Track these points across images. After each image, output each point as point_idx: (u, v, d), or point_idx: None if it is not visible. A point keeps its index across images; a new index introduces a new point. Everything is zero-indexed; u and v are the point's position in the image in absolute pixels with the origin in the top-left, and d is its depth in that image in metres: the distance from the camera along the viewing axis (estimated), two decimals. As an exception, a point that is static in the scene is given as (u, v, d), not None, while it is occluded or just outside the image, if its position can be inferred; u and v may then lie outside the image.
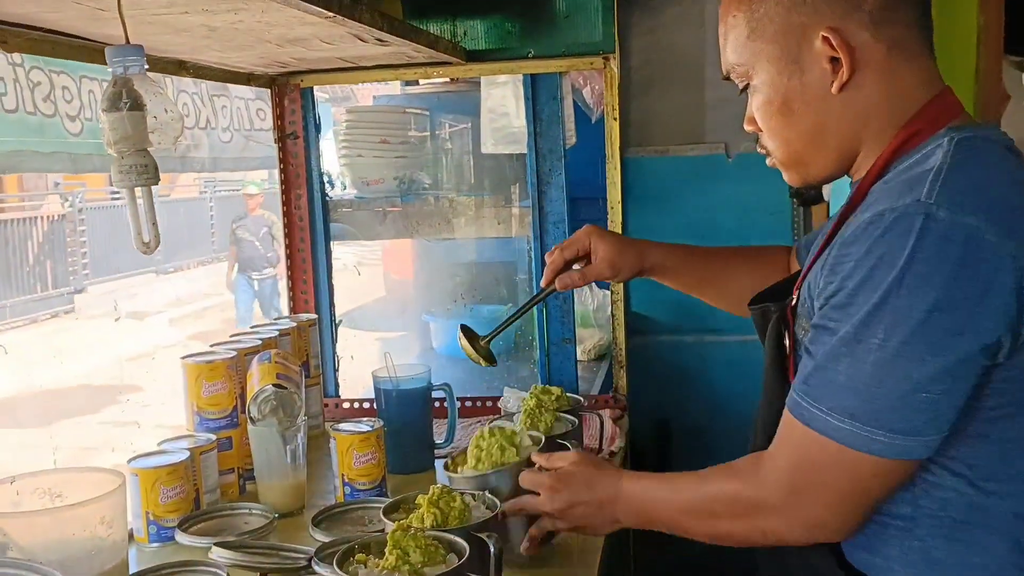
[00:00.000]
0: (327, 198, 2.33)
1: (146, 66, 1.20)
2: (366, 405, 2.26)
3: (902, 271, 0.93)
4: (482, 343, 1.60)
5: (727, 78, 1.18)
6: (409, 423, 1.86)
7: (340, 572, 1.15)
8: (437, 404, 2.00)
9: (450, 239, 2.48)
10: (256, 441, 1.68)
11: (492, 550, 1.21)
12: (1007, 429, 1.00)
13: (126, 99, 1.15)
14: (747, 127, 1.20)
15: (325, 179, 2.33)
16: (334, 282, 2.36)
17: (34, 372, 7.83)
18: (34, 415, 6.82)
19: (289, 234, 2.31)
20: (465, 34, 2.16)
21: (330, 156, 2.48)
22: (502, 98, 2.27)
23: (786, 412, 1.05)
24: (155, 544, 1.55)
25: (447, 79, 2.66)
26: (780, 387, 1.14)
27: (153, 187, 1.20)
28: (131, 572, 1.35)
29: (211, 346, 1.88)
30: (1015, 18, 2.51)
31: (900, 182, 1.01)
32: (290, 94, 2.24)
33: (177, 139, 1.19)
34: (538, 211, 2.20)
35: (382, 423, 1.73)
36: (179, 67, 1.81)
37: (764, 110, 1.14)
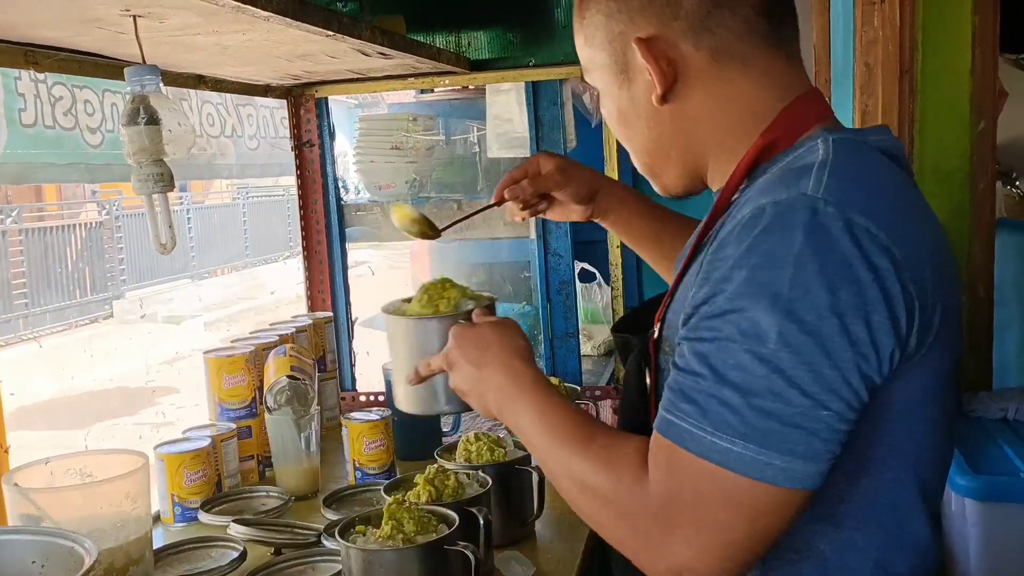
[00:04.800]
0: (342, 202, 2.45)
1: (161, 84, 1.32)
2: (381, 398, 2.37)
3: (793, 270, 0.80)
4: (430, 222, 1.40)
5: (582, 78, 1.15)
6: (417, 413, 1.97)
7: (342, 541, 1.27)
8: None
9: (461, 240, 2.59)
10: (272, 429, 1.80)
11: (481, 522, 1.31)
12: (876, 471, 0.90)
13: (143, 114, 1.27)
14: None
15: (340, 184, 2.46)
16: (357, 283, 2.49)
17: (72, 376, 8.07)
18: (72, 417, 7.02)
19: (306, 236, 2.43)
20: (469, 45, 2.27)
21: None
22: (506, 105, 2.38)
23: (656, 435, 0.88)
24: (180, 524, 1.68)
25: (458, 87, 2.77)
26: (641, 421, 1.02)
27: (169, 193, 1.33)
28: (156, 547, 1.48)
29: (232, 342, 2.00)
30: (1012, 17, 2.57)
31: (778, 178, 0.90)
32: (305, 104, 2.36)
33: (190, 149, 1.31)
34: (541, 212, 2.31)
35: (391, 412, 1.85)
36: (198, 81, 1.94)
37: (608, 119, 1.09)
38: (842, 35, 2.38)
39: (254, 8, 1.16)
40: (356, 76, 2.18)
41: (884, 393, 0.85)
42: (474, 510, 1.33)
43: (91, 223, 11.97)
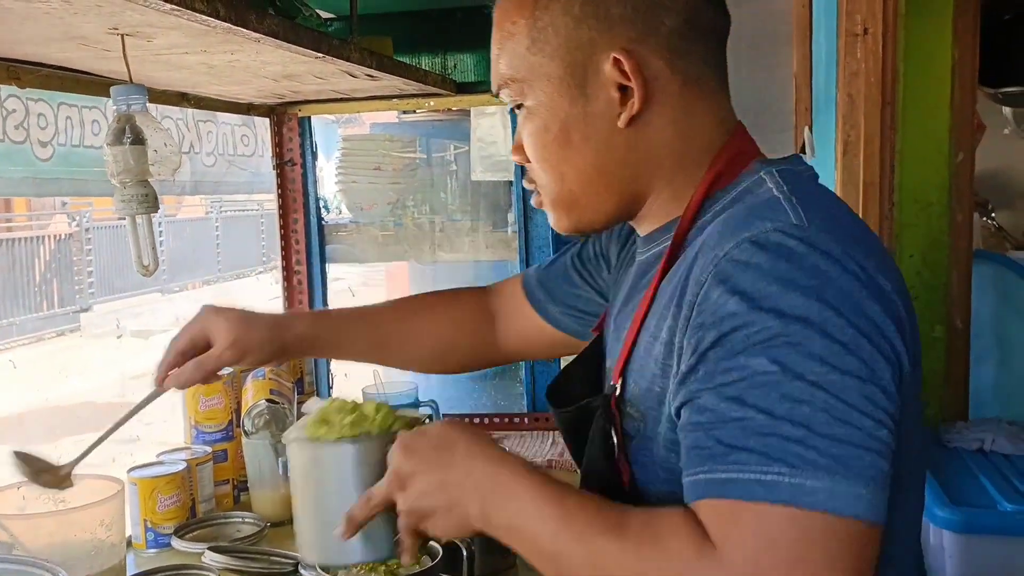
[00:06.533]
0: (323, 222, 2.43)
1: (147, 104, 1.30)
2: (358, 421, 2.34)
3: (816, 291, 0.75)
4: (59, 471, 1.21)
5: (496, 95, 1.00)
6: (396, 437, 1.95)
7: (324, 573, 1.24)
8: (427, 420, 2.10)
9: (441, 262, 2.57)
10: (249, 453, 1.77)
11: (465, 553, 1.29)
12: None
13: (129, 134, 1.25)
14: (514, 156, 1.02)
15: (321, 204, 2.44)
16: (336, 302, 2.47)
17: (40, 389, 7.94)
18: (41, 431, 6.90)
19: (286, 256, 2.41)
20: (455, 67, 2.27)
21: (331, 178, 2.59)
22: (490, 128, 2.37)
23: (710, 502, 0.76)
24: (152, 550, 1.64)
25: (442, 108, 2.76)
26: (607, 487, 0.90)
27: (153, 214, 1.31)
28: (129, 575, 1.44)
29: (209, 363, 1.97)
30: (990, 51, 2.61)
31: (740, 211, 0.86)
32: (288, 123, 2.35)
33: (176, 171, 1.29)
34: (524, 236, 2.30)
35: (370, 437, 1.82)
36: (181, 98, 1.92)
37: (537, 138, 0.96)
38: (824, 65, 2.40)
39: (245, 30, 1.15)
40: (341, 96, 2.17)
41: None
42: (458, 541, 1.31)
43: (60, 235, 11.82)
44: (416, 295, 1.45)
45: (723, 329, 0.77)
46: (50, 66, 1.47)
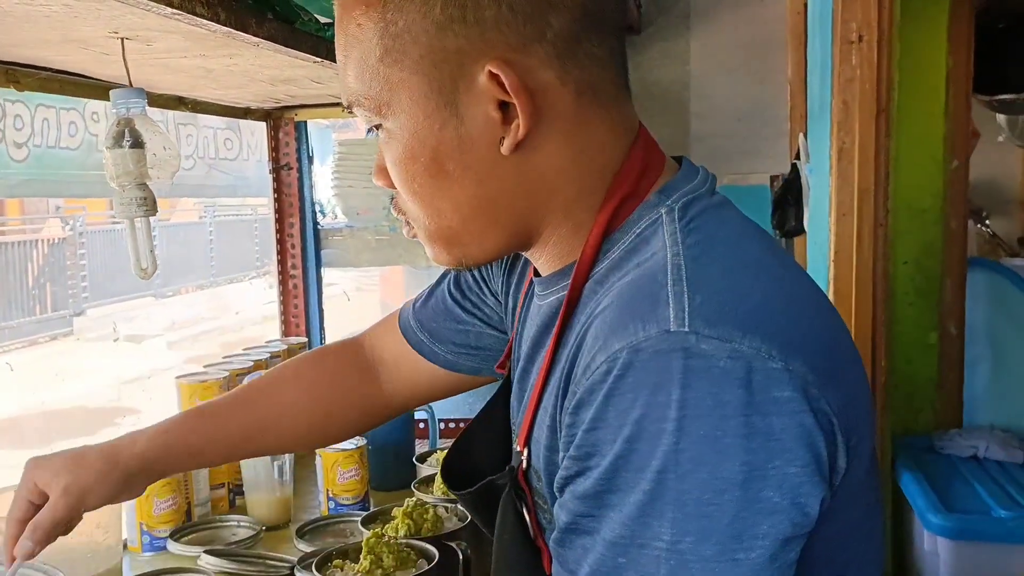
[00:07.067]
0: (319, 226, 2.44)
1: (147, 108, 1.31)
2: (354, 425, 2.34)
3: (674, 438, 0.62)
4: None
5: (348, 110, 0.81)
6: (392, 442, 1.95)
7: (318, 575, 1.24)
8: (421, 425, 2.10)
9: (436, 267, 2.58)
10: (245, 457, 1.77)
11: (460, 556, 1.30)
12: None
13: (128, 138, 1.26)
14: (376, 180, 0.85)
15: (317, 208, 2.45)
16: (330, 307, 2.48)
17: (34, 393, 7.92)
18: (35, 436, 6.89)
19: (281, 260, 2.41)
20: (452, 72, 2.27)
21: (326, 183, 2.60)
22: (487, 132, 2.38)
23: None
24: (148, 553, 1.64)
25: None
26: (530, 564, 0.82)
27: (151, 217, 1.31)
28: (124, 578, 1.44)
29: (204, 366, 1.97)
30: (984, 58, 2.63)
31: (624, 295, 0.70)
32: (284, 127, 2.35)
33: (174, 173, 1.29)
34: (520, 241, 2.31)
35: (366, 441, 1.83)
36: (179, 102, 1.92)
37: (404, 168, 0.78)
38: (819, 72, 2.41)
39: (245, 34, 1.15)
40: (338, 100, 2.17)
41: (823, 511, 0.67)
42: (453, 544, 1.32)
43: (54, 239, 11.80)
44: (276, 368, 1.23)
45: (586, 464, 0.66)
46: (49, 69, 1.47)
